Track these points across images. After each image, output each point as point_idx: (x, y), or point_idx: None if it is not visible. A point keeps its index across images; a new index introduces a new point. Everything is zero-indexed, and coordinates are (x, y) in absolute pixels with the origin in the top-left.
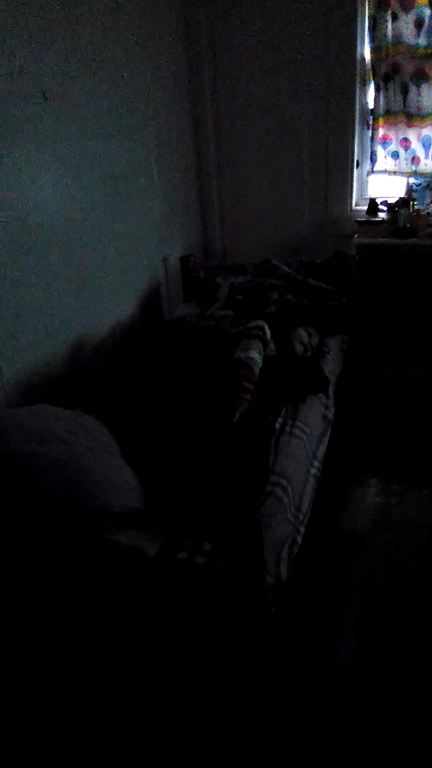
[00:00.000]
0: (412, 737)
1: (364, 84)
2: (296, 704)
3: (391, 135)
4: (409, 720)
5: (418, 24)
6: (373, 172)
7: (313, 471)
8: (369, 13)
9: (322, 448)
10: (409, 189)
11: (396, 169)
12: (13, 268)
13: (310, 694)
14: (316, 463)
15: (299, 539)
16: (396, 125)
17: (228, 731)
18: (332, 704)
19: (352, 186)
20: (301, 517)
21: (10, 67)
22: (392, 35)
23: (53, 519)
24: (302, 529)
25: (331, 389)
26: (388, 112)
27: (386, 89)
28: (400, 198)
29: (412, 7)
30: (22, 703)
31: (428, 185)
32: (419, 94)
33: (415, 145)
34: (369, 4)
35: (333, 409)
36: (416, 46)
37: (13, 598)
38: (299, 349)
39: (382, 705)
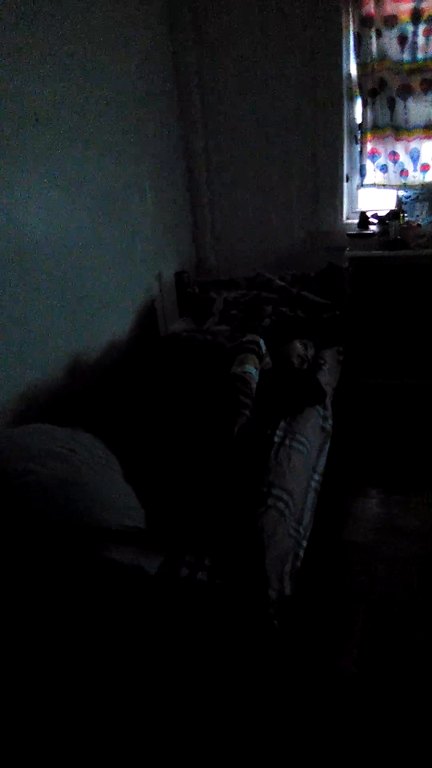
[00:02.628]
0: (418, 745)
1: (352, 99)
2: (302, 716)
3: (380, 149)
4: (415, 729)
5: (402, 40)
6: (362, 185)
7: (313, 483)
8: (354, 30)
9: (322, 460)
10: (399, 201)
11: (385, 182)
12: (6, 288)
13: (316, 706)
14: (317, 476)
15: (301, 552)
16: (384, 139)
17: (233, 744)
18: (338, 715)
19: (342, 200)
20: (302, 531)
21: (3, 91)
22: (377, 51)
23: (50, 538)
24: (304, 543)
25: (328, 401)
26: (376, 127)
27: (373, 104)
28: (390, 211)
29: (395, 24)
30: (22, 722)
31: (417, 197)
32: (406, 108)
33: (404, 158)
34: (353, 22)
35: (331, 421)
36: (401, 62)
37: (12, 617)
38: (296, 361)
39: (387, 715)
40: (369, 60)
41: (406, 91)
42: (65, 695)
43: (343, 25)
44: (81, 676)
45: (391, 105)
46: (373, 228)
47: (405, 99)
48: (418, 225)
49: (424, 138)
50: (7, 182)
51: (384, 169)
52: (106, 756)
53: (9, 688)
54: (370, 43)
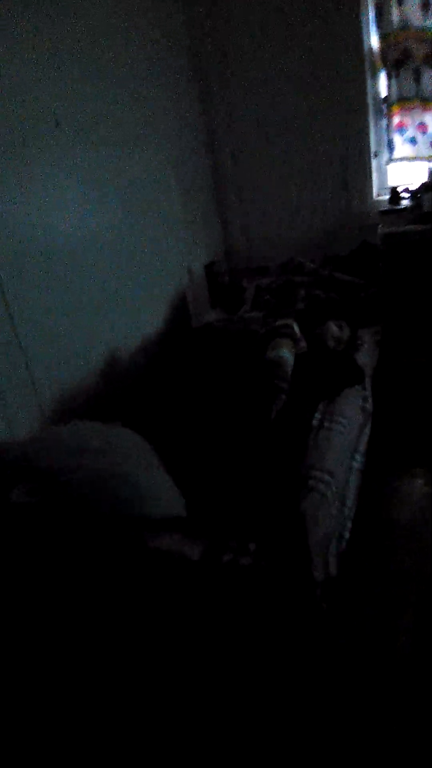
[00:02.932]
0: None
1: (375, 73)
2: (354, 699)
3: (407, 121)
4: None
5: (425, 6)
6: (391, 160)
7: (355, 464)
8: (373, 0)
9: (364, 441)
10: (431, 173)
11: (415, 154)
12: (40, 289)
13: (369, 688)
14: (359, 456)
15: (346, 533)
16: (411, 111)
17: (284, 729)
18: (393, 698)
19: (371, 176)
20: (346, 512)
21: (23, 94)
22: (399, 21)
23: (97, 530)
24: (349, 524)
25: (367, 381)
26: (402, 99)
27: (398, 76)
28: (422, 183)
29: None
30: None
31: None
32: None
33: None
34: None
35: (371, 401)
36: (425, 29)
37: (57, 608)
38: (331, 343)
39: None
40: (391, 30)
41: None
42: (114, 676)
43: None
44: (130, 660)
45: (417, 75)
46: (405, 203)
47: (431, 68)
48: None
49: None
50: (32, 183)
51: (413, 141)
52: (148, 733)
53: (59, 670)
54: (392, 13)
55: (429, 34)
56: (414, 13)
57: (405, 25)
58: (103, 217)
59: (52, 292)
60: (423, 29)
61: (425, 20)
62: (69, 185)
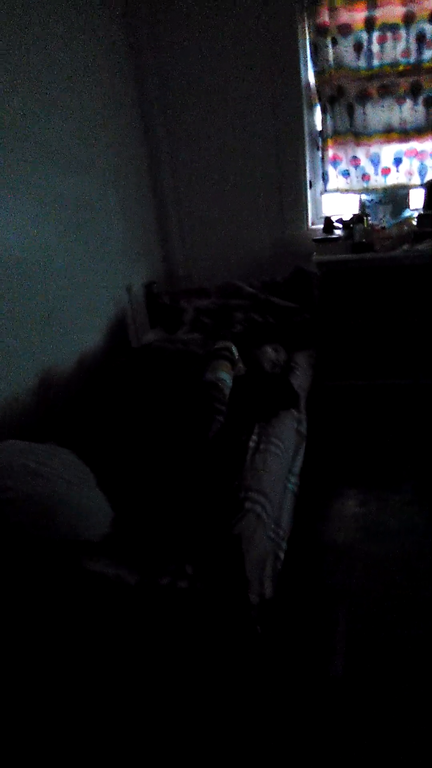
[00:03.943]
0: (407, 747)
1: (311, 107)
2: (289, 720)
3: (341, 154)
4: (404, 729)
5: (357, 48)
6: (326, 191)
7: (290, 486)
8: (310, 40)
9: (298, 463)
10: (362, 205)
11: (348, 187)
12: None
13: (303, 710)
14: (293, 478)
15: (281, 555)
16: (345, 145)
17: (221, 752)
18: (326, 718)
19: (306, 206)
20: (281, 533)
21: None
22: (334, 59)
23: (30, 552)
24: (284, 545)
25: (302, 404)
26: (336, 133)
27: (333, 111)
28: (354, 215)
29: (350, 33)
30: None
31: (380, 201)
32: (365, 114)
33: (365, 163)
34: (309, 32)
35: (306, 424)
36: (357, 69)
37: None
38: (267, 366)
39: (376, 715)
40: (326, 68)
41: (364, 97)
42: (51, 703)
43: (299, 35)
44: (66, 686)
45: (350, 111)
46: (338, 232)
47: (363, 105)
48: (383, 228)
49: (384, 142)
50: None
51: (346, 174)
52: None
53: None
54: (327, 52)
55: (362, 72)
56: (348, 54)
57: (339, 64)
58: (43, 234)
59: None
60: (356, 69)
61: (358, 60)
62: (10, 199)
